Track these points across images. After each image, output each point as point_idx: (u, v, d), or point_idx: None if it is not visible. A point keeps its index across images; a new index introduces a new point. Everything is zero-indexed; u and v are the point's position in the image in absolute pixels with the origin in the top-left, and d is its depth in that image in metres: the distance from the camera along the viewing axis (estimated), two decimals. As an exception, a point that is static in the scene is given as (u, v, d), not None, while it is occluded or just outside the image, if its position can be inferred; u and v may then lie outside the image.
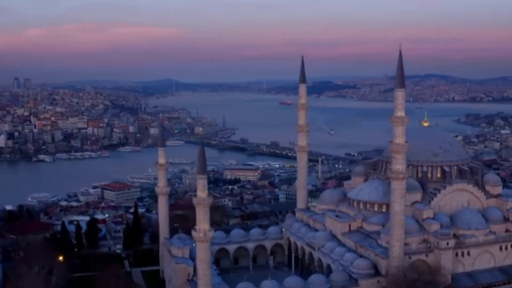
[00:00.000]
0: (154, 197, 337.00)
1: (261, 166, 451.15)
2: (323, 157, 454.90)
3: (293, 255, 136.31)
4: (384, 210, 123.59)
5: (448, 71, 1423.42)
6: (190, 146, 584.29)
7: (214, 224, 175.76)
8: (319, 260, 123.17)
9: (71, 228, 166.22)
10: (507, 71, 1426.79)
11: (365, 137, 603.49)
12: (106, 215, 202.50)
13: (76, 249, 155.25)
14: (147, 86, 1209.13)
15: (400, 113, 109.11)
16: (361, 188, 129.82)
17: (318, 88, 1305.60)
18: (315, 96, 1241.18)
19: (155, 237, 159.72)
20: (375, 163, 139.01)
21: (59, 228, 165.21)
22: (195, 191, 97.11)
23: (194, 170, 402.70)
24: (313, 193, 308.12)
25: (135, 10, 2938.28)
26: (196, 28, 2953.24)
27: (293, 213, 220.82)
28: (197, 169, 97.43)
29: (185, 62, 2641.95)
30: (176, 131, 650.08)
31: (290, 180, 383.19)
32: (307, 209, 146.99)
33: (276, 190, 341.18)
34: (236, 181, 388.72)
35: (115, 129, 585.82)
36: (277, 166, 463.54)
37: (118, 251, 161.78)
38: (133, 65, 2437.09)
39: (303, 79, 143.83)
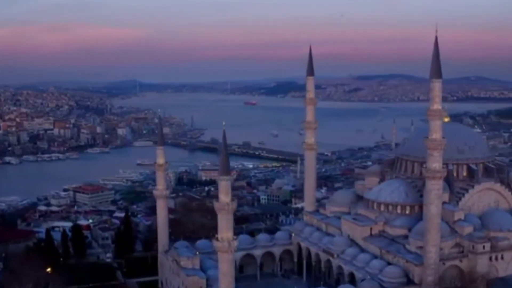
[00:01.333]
0: (128, 199, 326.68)
1: (235, 167, 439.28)
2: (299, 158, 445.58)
3: (304, 262, 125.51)
4: (408, 212, 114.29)
5: (411, 71, 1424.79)
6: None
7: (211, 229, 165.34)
8: (339, 267, 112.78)
9: (55, 235, 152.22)
10: (469, 71, 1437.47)
11: (335, 137, 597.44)
12: (90, 221, 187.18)
13: (61, 259, 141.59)
14: (111, 86, 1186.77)
15: (437, 105, 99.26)
16: (380, 189, 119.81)
17: (283, 89, 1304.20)
18: (280, 96, 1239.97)
19: (148, 244, 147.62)
20: (392, 162, 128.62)
21: (41, 235, 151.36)
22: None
23: (168, 171, 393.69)
24: (294, 193, 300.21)
25: (98, 10, 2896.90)
26: (160, 28, 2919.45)
27: (286, 215, 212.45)
28: (220, 169, 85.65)
29: (149, 63, 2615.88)
30: (144, 132, 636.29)
31: (267, 180, 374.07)
32: (317, 211, 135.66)
33: (255, 191, 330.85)
34: (211, 182, 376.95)
35: (82, 130, 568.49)
36: (251, 166, 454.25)
37: (108, 260, 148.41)
38: (96, 65, 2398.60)
39: (311, 71, 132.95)
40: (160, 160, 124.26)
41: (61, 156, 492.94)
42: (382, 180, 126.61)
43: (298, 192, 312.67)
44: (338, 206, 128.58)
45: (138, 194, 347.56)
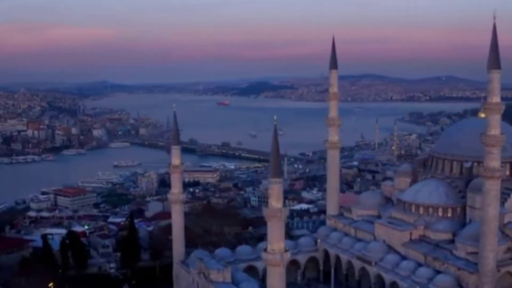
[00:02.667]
0: (111, 203, 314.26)
1: (217, 168, 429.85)
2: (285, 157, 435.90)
3: (332, 270, 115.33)
4: (449, 214, 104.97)
5: (383, 71, 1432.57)
6: (136, 148, 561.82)
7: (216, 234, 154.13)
8: (378, 276, 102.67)
9: (55, 244, 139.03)
10: (441, 71, 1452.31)
11: (314, 137, 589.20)
12: (86, 227, 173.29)
13: (60, 271, 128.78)
14: (82, 87, 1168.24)
15: (496, 98, 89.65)
16: (417, 190, 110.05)
17: (255, 89, 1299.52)
18: (253, 96, 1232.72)
19: (155, 252, 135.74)
20: (425, 161, 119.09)
21: (36, 244, 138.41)
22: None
23: (150, 173, 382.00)
24: (285, 195, 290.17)
25: (68, 11, 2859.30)
26: (131, 29, 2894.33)
27: (291, 218, 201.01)
28: (271, 170, 75.00)
29: (120, 64, 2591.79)
30: (120, 133, 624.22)
31: (253, 181, 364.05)
32: (341, 215, 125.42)
33: (242, 192, 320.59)
34: (195, 183, 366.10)
35: (57, 131, 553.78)
36: (232, 167, 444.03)
37: (112, 270, 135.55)
38: (66, 66, 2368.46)
39: (334, 64, 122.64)
40: (176, 161, 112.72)
41: (36, 158, 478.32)
42: (414, 180, 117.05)
43: (288, 193, 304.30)
44: (366, 209, 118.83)
45: (120, 197, 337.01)
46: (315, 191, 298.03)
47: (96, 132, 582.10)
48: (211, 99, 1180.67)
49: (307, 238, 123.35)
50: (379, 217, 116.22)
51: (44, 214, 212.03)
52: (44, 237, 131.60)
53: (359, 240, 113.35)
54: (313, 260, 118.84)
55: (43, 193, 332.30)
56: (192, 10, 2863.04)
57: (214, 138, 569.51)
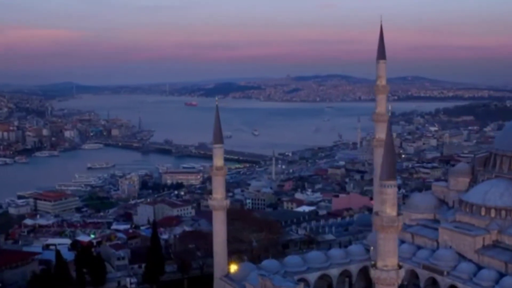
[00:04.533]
0: (93, 206, 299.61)
1: (199, 169, 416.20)
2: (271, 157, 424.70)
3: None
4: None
5: (348, 72, 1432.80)
6: (110, 149, 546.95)
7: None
8: (452, 287, 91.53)
9: (54, 256, 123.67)
10: (406, 71, 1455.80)
11: (290, 137, 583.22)
12: (92, 236, 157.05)
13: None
14: (46, 89, 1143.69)
15: None
16: (485, 191, 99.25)
17: (222, 90, 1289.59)
18: (220, 97, 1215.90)
19: (182, 264, 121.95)
20: (486, 159, 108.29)
21: (43, 257, 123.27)
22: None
23: (132, 175, 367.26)
24: (279, 196, 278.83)
25: (31, 12, 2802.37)
26: (94, 30, 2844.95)
27: (306, 221, 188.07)
28: (386, 172, 62.99)
29: (85, 65, 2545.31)
30: (92, 134, 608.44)
31: (240, 183, 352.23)
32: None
33: (230, 194, 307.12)
34: (178, 185, 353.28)
35: (27, 133, 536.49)
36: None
37: (133, 286, 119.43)
38: (30, 68, 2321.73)
39: (382, 54, 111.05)
40: (219, 162, 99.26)
41: (8, 160, 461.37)
42: (472, 180, 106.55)
43: (281, 195, 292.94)
44: (419, 213, 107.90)
45: (102, 200, 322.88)
46: (309, 192, 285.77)
47: (68, 134, 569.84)
48: (178, 100, 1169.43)
49: (358, 246, 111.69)
50: (435, 221, 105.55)
51: (42, 222, 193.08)
52: (58, 252, 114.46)
53: (419, 247, 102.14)
54: (364, 270, 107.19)
55: (20, 197, 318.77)
56: (157, 11, 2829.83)
57: (187, 139, 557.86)
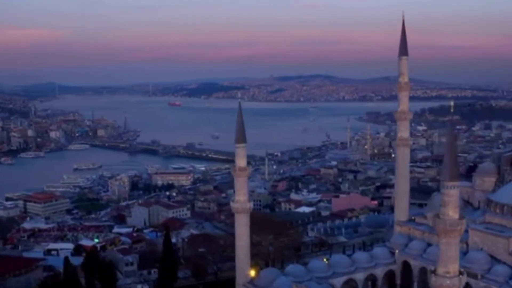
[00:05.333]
0: (83, 208, 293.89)
1: (190, 170, 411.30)
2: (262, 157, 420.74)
3: (415, 284, 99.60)
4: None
5: (331, 72, 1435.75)
6: (96, 150, 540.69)
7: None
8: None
9: (58, 262, 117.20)
10: (389, 71, 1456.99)
11: (278, 137, 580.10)
12: (96, 240, 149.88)
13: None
14: (28, 89, 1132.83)
15: None
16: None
17: (205, 90, 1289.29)
18: (204, 97, 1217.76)
19: (197, 269, 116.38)
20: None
21: (47, 263, 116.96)
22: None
23: (122, 176, 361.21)
24: (274, 198, 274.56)
25: (10, 12, 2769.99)
26: (75, 30, 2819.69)
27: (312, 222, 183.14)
28: (448, 172, 58.60)
29: (67, 65, 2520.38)
30: (77, 134, 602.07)
31: (231, 183, 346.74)
32: (412, 221, 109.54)
33: (223, 195, 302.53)
34: (169, 186, 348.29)
35: (12, 134, 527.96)
36: (203, 168, 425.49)
37: None
38: (11, 68, 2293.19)
39: (404, 50, 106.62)
40: (242, 162, 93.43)
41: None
42: (499, 180, 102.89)
43: (275, 195, 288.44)
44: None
45: (92, 202, 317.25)
46: (305, 192, 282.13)
47: (53, 134, 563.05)
48: (161, 100, 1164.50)
49: (382, 248, 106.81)
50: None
51: (42, 225, 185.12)
52: (66, 258, 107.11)
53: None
54: (389, 274, 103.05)
55: (8, 199, 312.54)
56: (140, 11, 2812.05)
57: (174, 139, 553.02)
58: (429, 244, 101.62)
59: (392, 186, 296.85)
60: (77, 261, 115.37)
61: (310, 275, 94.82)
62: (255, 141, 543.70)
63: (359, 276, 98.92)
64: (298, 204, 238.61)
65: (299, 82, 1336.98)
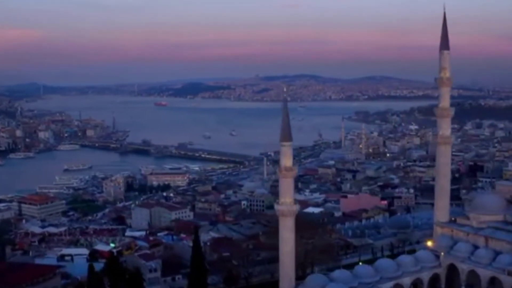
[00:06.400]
0: (80, 210, 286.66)
1: (185, 170, 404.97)
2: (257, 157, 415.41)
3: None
4: None
5: (316, 71, 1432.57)
6: (86, 150, 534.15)
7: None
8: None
9: (73, 268, 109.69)
10: (373, 71, 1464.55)
11: (268, 137, 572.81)
12: (112, 245, 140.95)
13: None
14: (12, 89, 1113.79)
15: None
16: None
17: (191, 90, 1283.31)
18: (189, 97, 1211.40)
19: (229, 275, 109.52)
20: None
21: (66, 270, 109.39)
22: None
23: (117, 176, 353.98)
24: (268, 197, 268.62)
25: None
26: (59, 30, 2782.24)
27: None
28: None
29: (50, 65, 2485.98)
30: (66, 135, 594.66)
31: (229, 183, 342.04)
32: (453, 221, 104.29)
33: (222, 195, 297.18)
34: (165, 187, 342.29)
35: (1, 134, 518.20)
36: (197, 169, 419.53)
37: None
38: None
39: (446, 44, 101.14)
40: (288, 162, 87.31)
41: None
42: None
43: (277, 195, 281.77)
44: (489, 214, 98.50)
45: (87, 203, 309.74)
46: (307, 192, 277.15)
47: (42, 134, 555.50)
48: (147, 100, 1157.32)
49: (427, 252, 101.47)
50: (506, 222, 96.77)
51: (51, 229, 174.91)
52: (91, 265, 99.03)
53: (497, 252, 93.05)
54: (435, 278, 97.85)
55: (0, 200, 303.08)
56: (124, 11, 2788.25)
57: (164, 139, 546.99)
58: (475, 246, 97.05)
59: (394, 186, 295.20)
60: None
61: (357, 280, 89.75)
62: (246, 141, 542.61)
63: (406, 281, 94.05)
64: (304, 204, 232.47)
65: (284, 82, 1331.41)
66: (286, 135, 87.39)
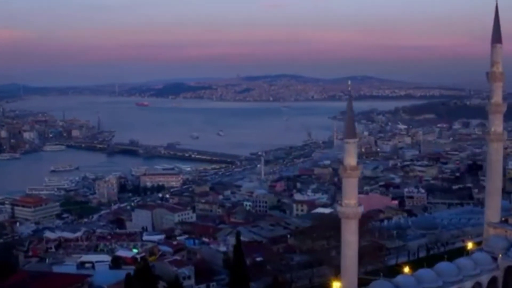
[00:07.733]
0: (74, 212, 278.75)
1: (177, 171, 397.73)
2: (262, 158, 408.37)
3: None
4: None
5: (297, 71, 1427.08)
6: (72, 150, 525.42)
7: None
8: None
9: (102, 276, 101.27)
10: (354, 71, 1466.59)
11: (256, 137, 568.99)
12: (135, 251, 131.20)
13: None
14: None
15: None
16: None
17: (172, 90, 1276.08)
18: (171, 97, 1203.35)
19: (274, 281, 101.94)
20: None
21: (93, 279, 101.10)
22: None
23: (110, 177, 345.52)
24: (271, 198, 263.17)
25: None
26: (37, 31, 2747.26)
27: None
28: None
29: (30, 66, 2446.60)
30: (51, 135, 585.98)
31: (224, 184, 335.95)
32: (504, 222, 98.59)
33: (220, 196, 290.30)
34: (159, 188, 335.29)
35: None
36: (188, 169, 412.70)
37: None
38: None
39: (498, 37, 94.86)
40: (352, 160, 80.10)
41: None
42: None
43: (280, 196, 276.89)
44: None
45: (81, 205, 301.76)
46: (309, 192, 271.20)
47: (27, 135, 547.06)
48: (128, 101, 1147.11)
49: (482, 253, 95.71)
50: None
51: (66, 235, 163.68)
52: (128, 274, 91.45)
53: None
54: (493, 281, 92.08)
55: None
56: (103, 11, 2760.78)
57: (150, 139, 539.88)
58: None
59: (396, 186, 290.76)
60: (118, 275, 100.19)
61: (421, 285, 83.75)
62: (234, 141, 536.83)
63: (467, 285, 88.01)
64: (312, 205, 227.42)
65: (266, 82, 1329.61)
66: (351, 132, 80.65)
